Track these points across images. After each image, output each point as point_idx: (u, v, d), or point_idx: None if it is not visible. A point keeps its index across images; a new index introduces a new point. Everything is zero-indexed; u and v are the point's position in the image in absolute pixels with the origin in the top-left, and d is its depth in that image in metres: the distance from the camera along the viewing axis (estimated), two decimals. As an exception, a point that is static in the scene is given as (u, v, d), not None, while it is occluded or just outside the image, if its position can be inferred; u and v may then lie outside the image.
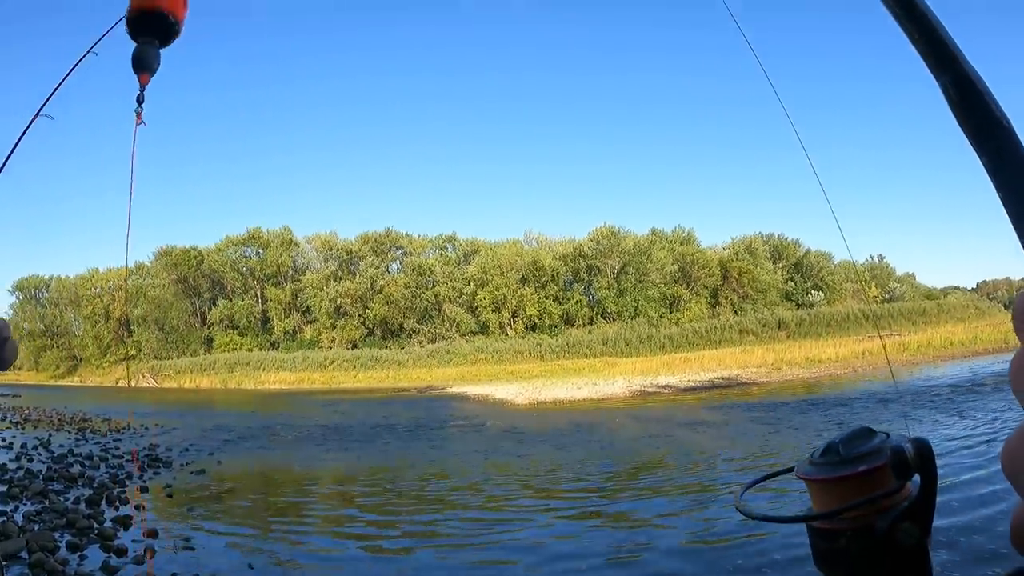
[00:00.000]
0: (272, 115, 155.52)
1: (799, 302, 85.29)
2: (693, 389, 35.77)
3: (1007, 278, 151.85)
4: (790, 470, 1.12)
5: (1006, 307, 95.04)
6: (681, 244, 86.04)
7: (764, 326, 74.00)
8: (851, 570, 0.98)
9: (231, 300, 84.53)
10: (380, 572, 8.74)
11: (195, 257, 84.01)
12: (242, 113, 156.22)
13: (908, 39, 0.96)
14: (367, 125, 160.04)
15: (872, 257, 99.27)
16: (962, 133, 0.92)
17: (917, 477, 0.95)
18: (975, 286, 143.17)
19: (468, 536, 9.89)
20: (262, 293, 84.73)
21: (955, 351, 43.74)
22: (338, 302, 79.65)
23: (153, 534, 9.95)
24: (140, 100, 1.51)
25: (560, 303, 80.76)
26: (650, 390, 36.07)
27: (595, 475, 14.39)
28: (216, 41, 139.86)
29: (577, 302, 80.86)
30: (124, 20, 1.44)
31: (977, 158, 0.89)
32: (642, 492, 12.52)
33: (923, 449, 0.93)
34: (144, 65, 1.45)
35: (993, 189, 0.83)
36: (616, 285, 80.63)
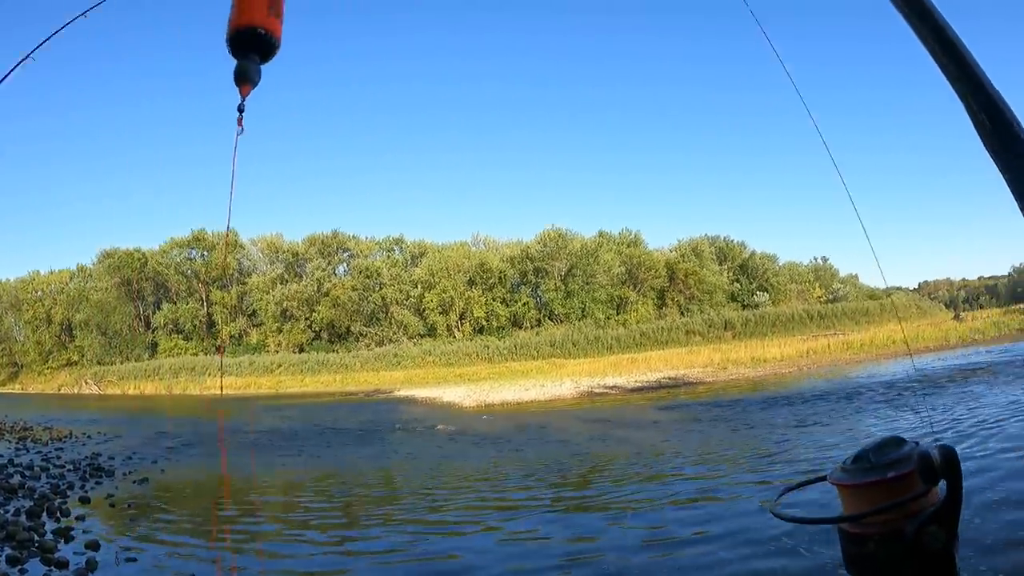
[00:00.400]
0: (216, 114, 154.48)
1: (745, 303, 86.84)
2: (641, 389, 35.98)
3: (948, 279, 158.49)
4: (823, 479, 1.16)
5: (947, 306, 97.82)
6: (628, 246, 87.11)
7: (710, 326, 75.33)
8: (879, 574, 1.02)
9: (175, 304, 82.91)
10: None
11: (138, 259, 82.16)
12: (187, 112, 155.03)
13: (938, 65, 1.06)
14: (314, 126, 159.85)
15: (816, 259, 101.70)
16: (986, 152, 1.03)
17: (944, 484, 1.01)
18: (917, 286, 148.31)
19: (412, 546, 9.77)
20: (207, 296, 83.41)
21: (897, 349, 44.48)
22: (284, 305, 78.87)
23: (95, 546, 9.78)
24: (240, 109, 1.65)
25: (507, 305, 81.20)
26: (598, 391, 36.09)
27: (543, 480, 14.23)
28: (162, 41, 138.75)
29: (524, 304, 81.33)
30: (225, 38, 1.57)
31: (1001, 176, 0.98)
32: (591, 498, 12.38)
33: (949, 455, 0.99)
34: (247, 78, 1.56)
35: (1016, 205, 0.93)
36: (563, 287, 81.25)
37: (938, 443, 1.03)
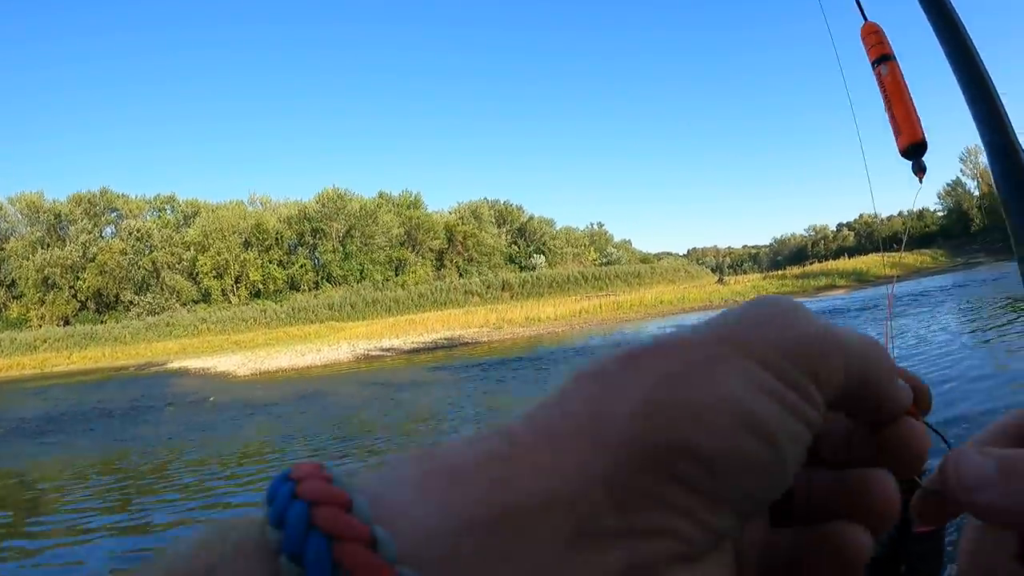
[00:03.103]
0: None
1: (522, 265, 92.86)
2: (417, 351, 37.38)
3: (715, 246, 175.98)
4: None
5: (713, 271, 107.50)
6: (408, 207, 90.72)
7: (488, 288, 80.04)
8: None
9: (-79, 276, 77.61)
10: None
11: None
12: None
13: (968, 105, 1.48)
14: (77, 73, 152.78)
15: (592, 224, 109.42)
16: (996, 188, 1.49)
17: None
18: (687, 252, 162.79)
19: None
20: (-40, 267, 78.24)
21: (665, 309, 49.18)
22: (46, 272, 75.59)
23: None
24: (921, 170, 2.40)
25: (285, 267, 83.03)
26: (374, 354, 37.20)
27: (314, 450, 13.84)
28: None
29: (302, 266, 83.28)
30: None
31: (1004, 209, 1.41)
32: (353, 462, 11.76)
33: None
34: (925, 172, 2.32)
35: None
36: (342, 248, 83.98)
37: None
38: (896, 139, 2.35)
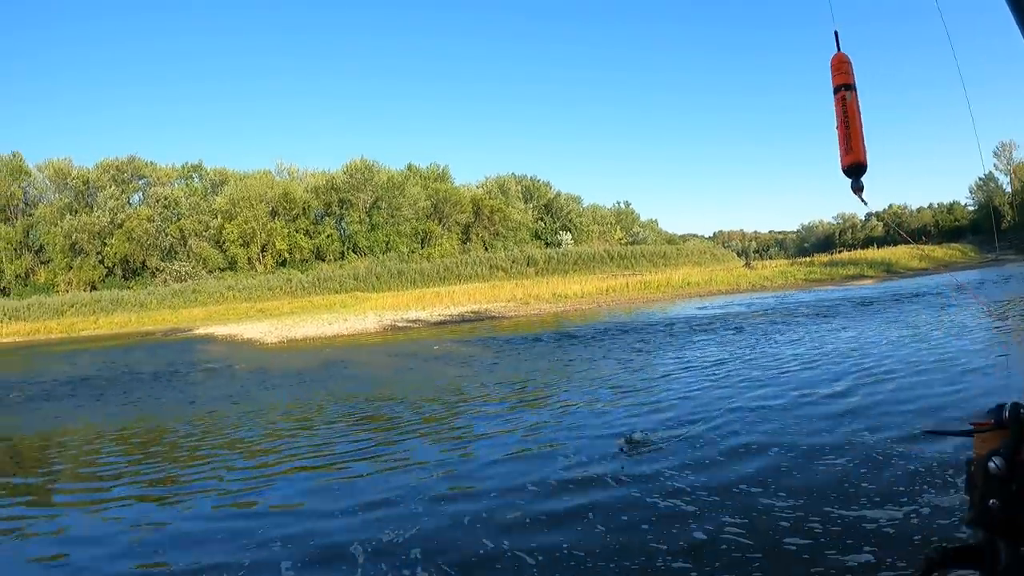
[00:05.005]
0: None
1: (548, 241, 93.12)
2: (443, 323, 37.68)
3: (741, 230, 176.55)
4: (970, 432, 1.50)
5: (739, 255, 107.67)
6: (435, 180, 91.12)
7: (514, 263, 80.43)
8: (969, 489, 1.39)
9: (-49, 241, 77.06)
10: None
11: (-91, 191, 75.66)
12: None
13: None
14: (110, 40, 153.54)
15: (619, 203, 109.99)
16: None
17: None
18: (712, 235, 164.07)
19: (218, 510, 8.37)
20: (-11, 232, 77.87)
21: (692, 290, 49.31)
22: (74, 238, 76.03)
23: None
24: (860, 190, 2.69)
25: (311, 237, 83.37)
26: (401, 325, 37.37)
27: (343, 419, 13.52)
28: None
29: (328, 236, 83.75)
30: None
31: None
32: (402, 436, 11.60)
33: (1013, 411, 1.34)
34: (862, 188, 2.63)
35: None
36: (368, 220, 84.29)
37: (1015, 401, 1.36)
38: (841, 158, 2.68)
